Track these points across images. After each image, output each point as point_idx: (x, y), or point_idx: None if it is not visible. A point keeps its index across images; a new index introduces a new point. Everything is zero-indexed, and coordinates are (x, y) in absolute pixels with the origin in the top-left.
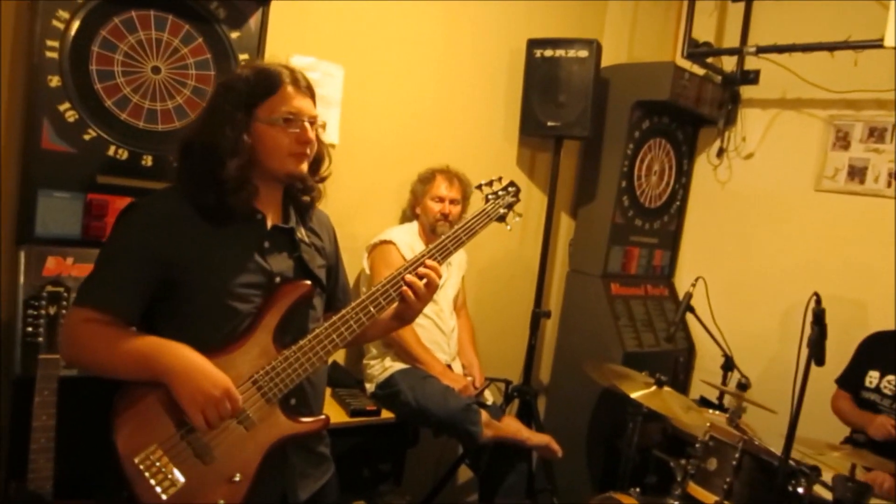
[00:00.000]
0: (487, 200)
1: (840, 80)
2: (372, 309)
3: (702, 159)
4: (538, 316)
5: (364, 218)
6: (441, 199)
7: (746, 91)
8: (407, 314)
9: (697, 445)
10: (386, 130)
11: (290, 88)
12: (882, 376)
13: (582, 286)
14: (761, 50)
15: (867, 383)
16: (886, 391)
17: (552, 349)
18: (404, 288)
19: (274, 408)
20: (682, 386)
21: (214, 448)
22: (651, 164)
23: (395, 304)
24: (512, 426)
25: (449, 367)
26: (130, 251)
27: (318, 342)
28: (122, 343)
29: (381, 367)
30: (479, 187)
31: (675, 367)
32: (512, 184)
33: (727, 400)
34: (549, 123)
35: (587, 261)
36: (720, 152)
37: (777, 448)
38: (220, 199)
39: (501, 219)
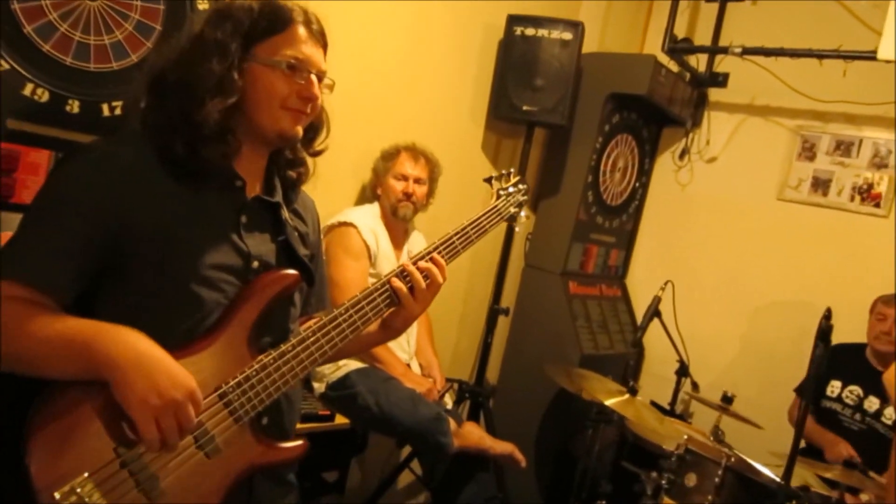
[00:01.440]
0: (499, 197)
1: (817, 89)
2: (367, 309)
3: (663, 160)
4: (496, 313)
5: (317, 196)
6: (404, 178)
7: (714, 94)
8: (397, 321)
9: (673, 458)
10: (346, 98)
11: (301, 30)
12: (844, 386)
13: (539, 283)
14: (747, 51)
15: (828, 392)
16: (848, 401)
17: (501, 348)
18: (398, 284)
19: (243, 429)
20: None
21: (164, 478)
22: (616, 161)
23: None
24: (475, 433)
25: (407, 366)
26: (70, 211)
27: (304, 349)
28: (50, 326)
29: (334, 364)
30: (489, 181)
31: (625, 370)
32: (523, 180)
33: (679, 406)
34: (525, 108)
35: (546, 257)
36: (683, 154)
37: (759, 464)
38: (192, 147)
39: (512, 219)
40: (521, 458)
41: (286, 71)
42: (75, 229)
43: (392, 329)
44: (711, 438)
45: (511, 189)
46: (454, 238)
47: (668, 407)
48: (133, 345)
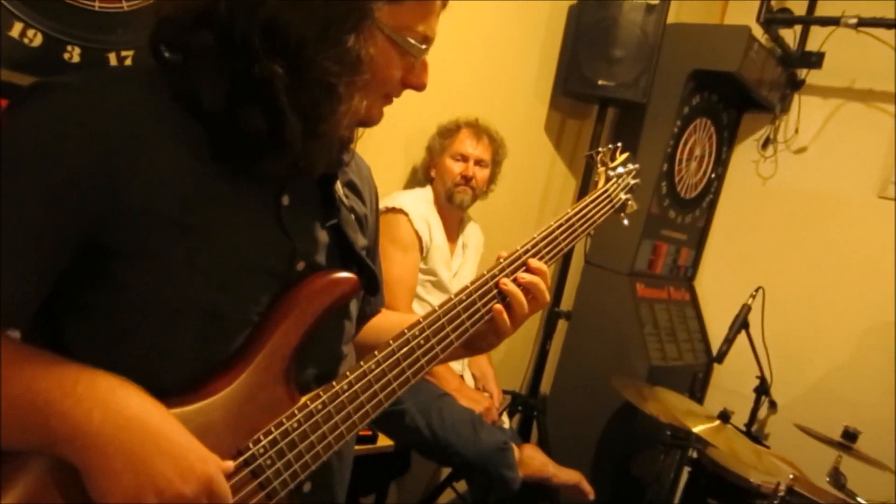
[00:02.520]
0: (609, 179)
1: None
2: (449, 330)
3: (742, 149)
4: (557, 316)
5: None
6: (464, 158)
7: (805, 76)
8: (481, 344)
9: (776, 502)
10: None
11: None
12: None
13: (602, 284)
14: (864, 23)
15: None
16: None
17: (555, 355)
18: (495, 305)
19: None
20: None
21: None
22: (693, 148)
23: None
24: (536, 460)
25: (461, 379)
26: (28, 184)
27: (365, 387)
28: None
29: None
30: (591, 157)
31: (692, 384)
32: (632, 159)
33: (755, 428)
34: (600, 82)
35: (611, 255)
36: (766, 143)
37: None
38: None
39: (622, 208)
40: (589, 489)
41: (410, 49)
42: (34, 214)
43: (470, 350)
44: (829, 481)
45: (620, 170)
46: (557, 233)
47: (743, 428)
48: (118, 407)
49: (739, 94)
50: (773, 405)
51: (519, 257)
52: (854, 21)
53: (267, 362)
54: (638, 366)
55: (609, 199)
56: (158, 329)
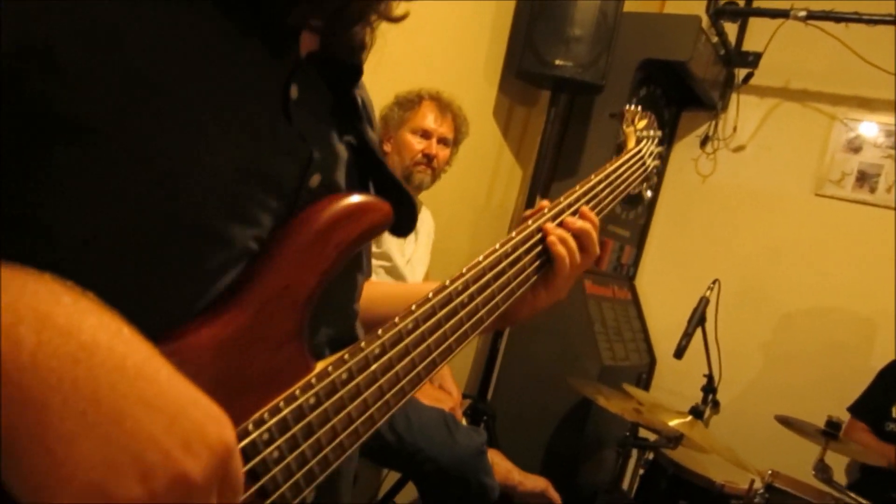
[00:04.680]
0: (640, 140)
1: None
2: (495, 288)
3: (681, 147)
4: None
5: None
6: (426, 135)
7: (742, 75)
8: (522, 310)
9: (756, 500)
10: None
11: None
12: None
13: None
14: (813, 16)
15: (895, 414)
16: None
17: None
18: (558, 249)
19: None
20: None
21: None
22: None
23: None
24: (501, 466)
25: None
26: None
27: (405, 353)
28: None
29: None
30: (617, 117)
31: (637, 385)
32: (654, 125)
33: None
34: (557, 62)
35: None
36: (705, 141)
37: None
38: None
39: (649, 178)
40: (556, 496)
41: None
42: None
43: (508, 321)
44: (815, 474)
45: (651, 132)
46: (598, 189)
47: None
48: (67, 324)
49: (681, 90)
50: (716, 405)
51: (564, 210)
52: (803, 14)
53: (272, 308)
54: (589, 366)
55: (642, 162)
56: (116, 253)
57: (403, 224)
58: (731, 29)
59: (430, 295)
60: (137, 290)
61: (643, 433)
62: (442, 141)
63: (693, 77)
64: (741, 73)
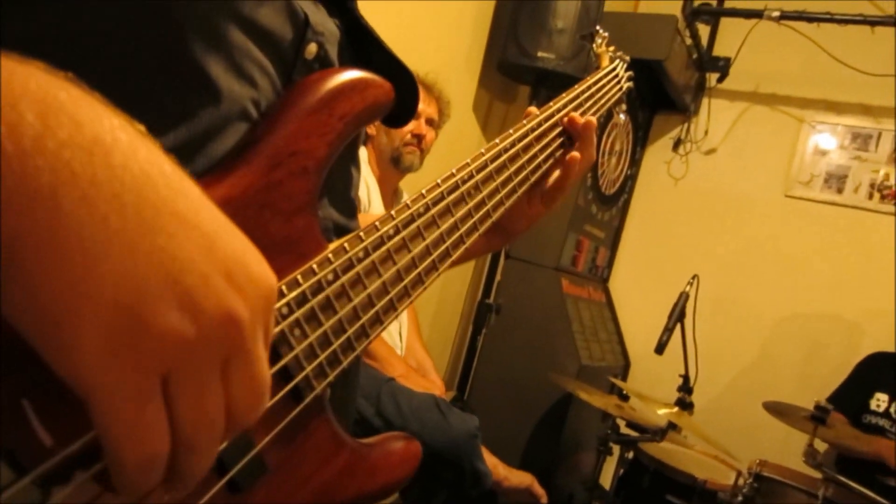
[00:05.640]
0: (613, 60)
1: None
2: (524, 161)
3: (654, 150)
4: (487, 310)
5: None
6: (416, 116)
7: (713, 79)
8: (530, 211)
9: (744, 488)
10: None
11: None
12: (892, 400)
13: (528, 279)
14: (786, 16)
15: (873, 406)
16: None
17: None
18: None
19: (313, 415)
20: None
21: None
22: (615, 142)
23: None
24: (487, 460)
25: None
26: None
27: (419, 231)
28: None
29: None
30: (585, 37)
31: (612, 386)
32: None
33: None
34: (540, 54)
35: (536, 248)
36: (678, 144)
37: None
38: None
39: (621, 100)
40: (542, 491)
41: None
42: None
43: (506, 233)
44: (806, 460)
45: (622, 55)
46: (583, 97)
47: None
48: (90, 123)
49: (655, 92)
50: (689, 406)
51: (554, 114)
52: (777, 14)
53: (282, 174)
54: (568, 364)
55: (618, 79)
56: (93, 67)
57: (405, 106)
58: (703, 31)
59: (440, 182)
60: None
61: (624, 431)
62: (429, 122)
63: (668, 77)
64: (712, 76)
